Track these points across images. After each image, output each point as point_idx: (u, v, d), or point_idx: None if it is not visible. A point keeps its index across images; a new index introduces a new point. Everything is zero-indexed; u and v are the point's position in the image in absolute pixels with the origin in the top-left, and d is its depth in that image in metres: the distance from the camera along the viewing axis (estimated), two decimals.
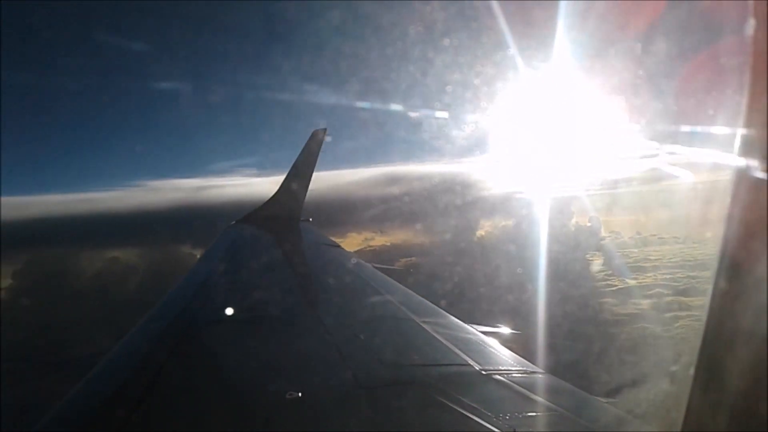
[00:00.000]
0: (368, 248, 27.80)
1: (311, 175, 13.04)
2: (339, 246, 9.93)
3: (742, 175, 1.66)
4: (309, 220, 12.68)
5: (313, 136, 13.22)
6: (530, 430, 2.82)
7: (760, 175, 1.60)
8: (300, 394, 3.02)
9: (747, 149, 1.67)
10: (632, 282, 20.33)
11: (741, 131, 1.68)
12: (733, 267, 1.77)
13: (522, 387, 3.36)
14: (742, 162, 1.66)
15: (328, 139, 13.32)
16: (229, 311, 5.13)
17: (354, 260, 8.57)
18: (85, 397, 3.42)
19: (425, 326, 4.64)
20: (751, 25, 1.72)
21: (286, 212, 12.59)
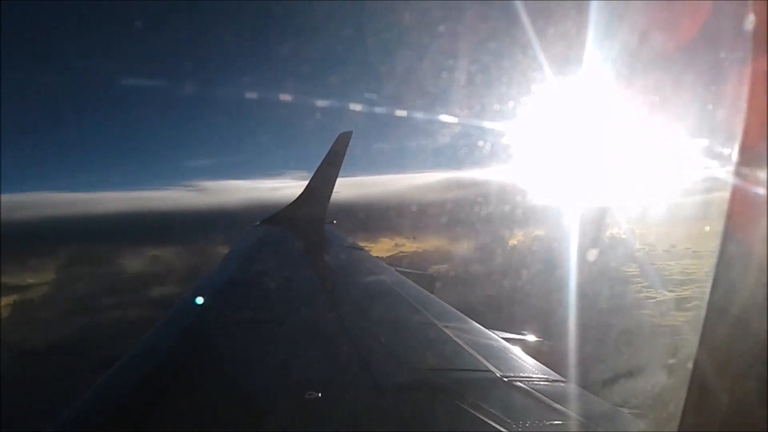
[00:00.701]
0: (400, 254, 27.72)
1: (336, 178, 13.11)
2: (362, 249, 9.90)
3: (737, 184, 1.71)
4: (333, 223, 12.71)
5: (339, 139, 13.31)
6: None
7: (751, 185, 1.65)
8: (319, 395, 3.07)
9: (742, 161, 1.72)
10: (670, 294, 19.77)
11: (737, 144, 1.72)
12: (730, 272, 1.81)
13: (543, 395, 3.35)
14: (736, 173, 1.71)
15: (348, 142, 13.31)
16: (248, 311, 5.22)
17: (376, 263, 8.56)
18: (106, 392, 3.54)
19: (447, 331, 4.64)
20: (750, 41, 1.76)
21: (310, 214, 12.64)
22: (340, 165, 13.22)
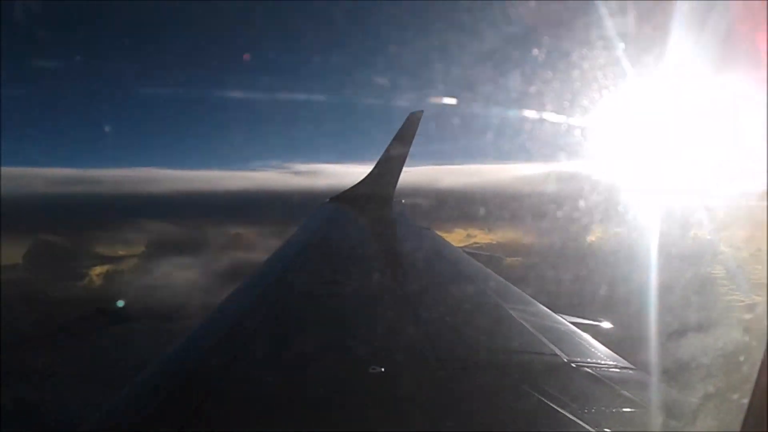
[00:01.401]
0: (473, 245, 27.55)
1: (405, 157, 12.93)
2: (429, 228, 9.83)
3: None
4: (402, 202, 12.65)
5: (410, 118, 12.98)
6: (616, 425, 2.78)
7: None
8: (383, 369, 3.18)
9: None
10: (758, 299, 18.68)
11: None
12: None
13: (609, 381, 3.32)
14: None
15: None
16: (316, 286, 5.41)
17: (444, 243, 8.57)
18: (188, 349, 3.85)
19: (513, 313, 4.62)
20: None
21: (379, 192, 12.58)
22: (410, 144, 12.96)
